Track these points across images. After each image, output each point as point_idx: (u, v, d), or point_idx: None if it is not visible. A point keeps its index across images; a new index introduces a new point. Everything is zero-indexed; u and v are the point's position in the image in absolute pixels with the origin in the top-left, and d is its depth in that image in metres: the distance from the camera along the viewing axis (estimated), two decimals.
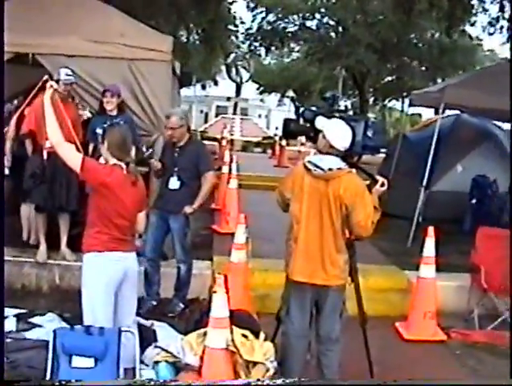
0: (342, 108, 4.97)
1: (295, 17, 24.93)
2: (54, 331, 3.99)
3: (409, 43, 23.47)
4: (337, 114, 4.66)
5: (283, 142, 19.23)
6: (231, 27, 25.11)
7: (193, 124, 38.58)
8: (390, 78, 28.54)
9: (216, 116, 39.04)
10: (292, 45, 28.45)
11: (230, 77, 34.49)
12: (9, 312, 5.80)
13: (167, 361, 4.41)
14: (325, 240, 4.43)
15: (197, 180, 6.33)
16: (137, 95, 7.09)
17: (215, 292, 4.05)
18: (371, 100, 31.96)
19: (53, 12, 7.45)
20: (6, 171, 8.08)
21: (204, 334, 4.21)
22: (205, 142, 19.25)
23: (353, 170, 4.52)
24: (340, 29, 23.67)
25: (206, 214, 10.39)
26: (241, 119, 31.48)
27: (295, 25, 25.26)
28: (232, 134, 29.15)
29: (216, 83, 37.48)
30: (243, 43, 26.46)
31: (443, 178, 10.61)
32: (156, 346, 4.55)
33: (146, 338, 5.24)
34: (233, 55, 30.83)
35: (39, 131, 6.80)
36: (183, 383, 3.51)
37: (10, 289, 6.84)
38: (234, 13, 24.93)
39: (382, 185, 4.57)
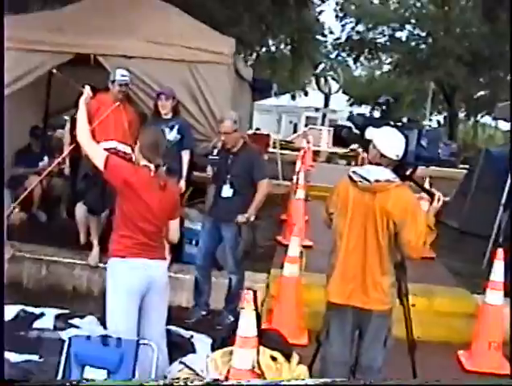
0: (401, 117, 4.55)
1: (385, 28, 24.38)
2: (69, 339, 3.78)
3: (502, 56, 22.41)
4: (391, 122, 4.23)
5: (365, 154, 18.62)
6: (319, 37, 24.91)
7: (281, 134, 38.54)
8: (482, 92, 27.47)
9: (306, 126, 38.69)
10: (382, 57, 27.88)
11: (319, 88, 34.04)
12: (50, 312, 5.80)
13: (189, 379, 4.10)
14: (369, 260, 4.01)
15: (251, 188, 6.04)
16: (196, 98, 6.89)
17: (243, 308, 3.72)
18: (462, 114, 30.87)
19: (115, 12, 7.41)
20: (66, 172, 8.08)
21: (231, 353, 3.87)
22: (288, 152, 19.13)
23: (405, 183, 4.08)
24: (430, 40, 22.92)
25: (274, 224, 10.12)
26: (329, 130, 30.95)
27: (384, 35, 24.72)
28: (319, 146, 28.76)
29: (306, 93, 37.12)
30: (331, 53, 26.11)
31: None
32: (181, 362, 4.26)
33: (183, 350, 5.00)
34: (321, 66, 30.49)
35: (91, 132, 6.69)
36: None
37: (61, 290, 6.82)
38: (323, 23, 24.76)
39: (438, 201, 4.11)
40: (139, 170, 4.29)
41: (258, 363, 3.74)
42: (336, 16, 24.38)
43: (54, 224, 8.44)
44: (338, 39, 24.58)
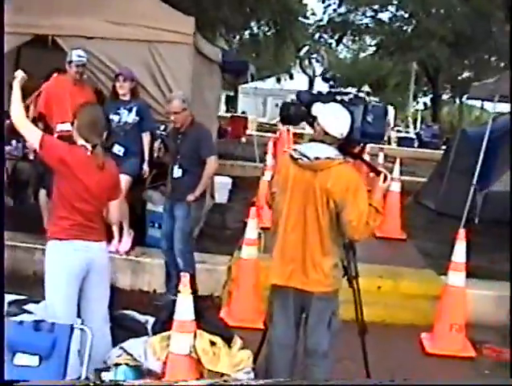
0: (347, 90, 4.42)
1: (367, 9, 24.17)
2: (1, 325, 3.66)
3: (486, 37, 22.23)
4: (338, 98, 4.11)
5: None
6: (301, 19, 24.68)
7: (267, 117, 38.26)
8: (467, 74, 27.32)
9: None
10: (366, 39, 27.71)
11: (303, 70, 33.78)
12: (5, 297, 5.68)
13: (127, 364, 4.00)
14: (309, 240, 3.88)
15: (200, 167, 5.98)
16: (156, 78, 6.75)
17: (179, 292, 3.62)
18: (447, 96, 30.73)
19: None
20: (31, 157, 7.94)
21: (169, 337, 3.78)
22: (269, 135, 18.99)
23: (348, 161, 3.97)
24: (414, 21, 22.75)
25: (247, 207, 10.04)
26: None
27: (367, 17, 24.52)
28: (303, 128, 28.59)
29: (291, 76, 36.90)
30: (313, 35, 25.87)
31: (503, 178, 9.84)
32: (120, 348, 4.15)
33: (138, 334, 4.91)
34: (305, 48, 30.28)
35: (49, 114, 6.58)
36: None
37: (22, 275, 6.71)
38: (305, 4, 24.52)
39: (385, 180, 3.99)
40: (75, 150, 4.17)
41: (195, 347, 3.64)
42: None
43: (20, 209, 8.31)
44: (320, 20, 24.39)
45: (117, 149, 6.60)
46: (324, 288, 3.92)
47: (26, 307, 5.58)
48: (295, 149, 3.93)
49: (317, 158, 3.82)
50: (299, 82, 39.17)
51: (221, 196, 10.45)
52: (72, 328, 3.67)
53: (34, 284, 6.54)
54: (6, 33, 6.74)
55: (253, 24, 26.94)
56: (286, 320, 4.03)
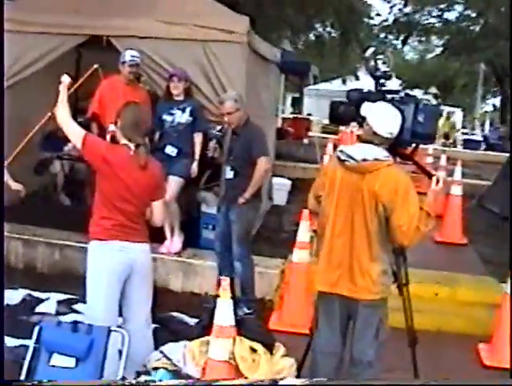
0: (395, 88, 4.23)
1: (433, 8, 23.51)
2: (40, 325, 3.64)
3: None
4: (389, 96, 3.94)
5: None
6: (366, 20, 24.30)
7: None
8: None
9: None
10: (432, 39, 27.01)
11: (370, 72, 33.37)
12: (54, 297, 5.74)
13: (166, 368, 3.92)
14: (356, 245, 3.71)
15: (253, 167, 5.84)
16: (209, 77, 6.66)
17: (218, 296, 3.51)
18: None
19: None
20: None
21: (208, 343, 3.67)
22: (332, 136, 18.77)
23: (396, 163, 3.78)
24: (481, 21, 22.03)
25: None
26: None
27: (433, 17, 23.85)
28: None
29: (357, 78, 36.53)
30: (378, 36, 25.41)
31: None
32: (160, 351, 4.07)
33: (187, 337, 4.86)
34: (371, 50, 29.85)
35: (102, 114, 6.60)
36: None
37: (73, 274, 6.74)
38: (370, 5, 24.09)
39: (437, 183, 3.79)
40: (118, 149, 4.13)
41: (233, 353, 3.52)
42: None
43: (77, 209, 8.38)
44: (385, 21, 23.89)
45: (170, 150, 6.56)
46: (372, 295, 3.74)
47: (75, 307, 5.64)
48: (341, 151, 3.76)
49: (364, 160, 3.65)
50: (365, 83, 38.90)
51: (280, 198, 10.31)
52: (109, 330, 3.60)
53: (85, 284, 6.60)
54: (64, 34, 6.89)
55: (318, 25, 26.76)
56: (332, 328, 3.87)
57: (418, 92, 39.19)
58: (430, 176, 3.86)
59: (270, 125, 9.06)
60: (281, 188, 10.40)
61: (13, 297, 5.95)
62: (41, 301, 5.86)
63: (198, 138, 6.58)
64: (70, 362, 3.48)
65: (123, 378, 3.58)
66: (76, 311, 5.57)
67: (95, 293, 4.11)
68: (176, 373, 3.91)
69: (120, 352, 3.91)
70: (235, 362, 3.64)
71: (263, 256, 6.78)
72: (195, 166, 6.61)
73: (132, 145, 4.08)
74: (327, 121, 25.46)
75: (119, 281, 4.11)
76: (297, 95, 36.74)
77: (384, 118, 3.72)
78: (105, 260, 4.08)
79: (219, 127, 6.35)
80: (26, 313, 5.50)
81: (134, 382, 2.90)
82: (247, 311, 5.95)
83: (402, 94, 3.96)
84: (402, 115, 3.77)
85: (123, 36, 6.75)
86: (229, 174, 5.92)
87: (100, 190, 4.12)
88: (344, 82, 37.87)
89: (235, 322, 3.57)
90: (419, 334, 5.83)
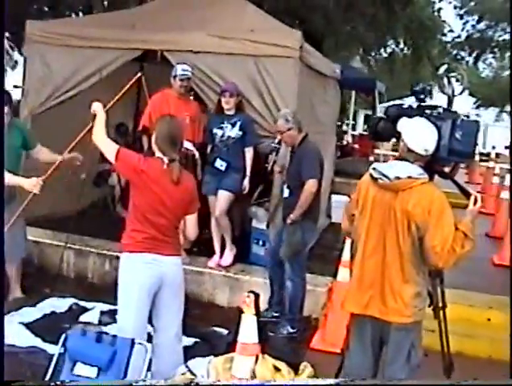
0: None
1: (506, 24, 22.92)
2: (66, 334, 3.66)
3: None
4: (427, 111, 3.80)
5: (476, 158, 17.89)
6: (439, 36, 23.92)
7: None
8: None
9: None
10: (507, 55, 26.31)
11: (441, 89, 32.74)
12: (98, 306, 5.79)
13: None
14: (388, 266, 3.57)
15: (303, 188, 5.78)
16: (261, 92, 6.63)
17: (242, 312, 3.45)
18: None
19: (187, 9, 7.35)
20: None
21: (232, 359, 3.61)
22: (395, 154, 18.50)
23: (431, 181, 3.62)
24: None
25: None
26: None
27: (506, 33, 23.26)
28: None
29: (431, 96, 35.95)
30: (450, 52, 24.96)
31: None
32: (186, 366, 4.03)
33: (216, 348, 4.82)
34: (444, 67, 29.29)
35: (152, 127, 6.63)
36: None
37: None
38: (443, 21, 23.68)
39: (475, 202, 3.62)
40: (151, 162, 4.13)
41: (254, 372, 3.45)
42: (459, 14, 23.26)
43: None
44: (458, 37, 23.45)
45: (220, 164, 6.57)
46: (404, 319, 3.59)
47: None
48: (374, 168, 3.65)
49: (397, 178, 3.52)
50: (439, 101, 38.22)
51: (338, 215, 10.14)
52: (133, 342, 3.59)
53: None
54: (120, 49, 7.01)
55: (390, 42, 26.50)
56: (363, 350, 3.74)
57: (492, 111, 38.30)
58: (468, 196, 3.68)
59: (329, 141, 8.96)
60: (339, 206, 10.22)
61: (60, 305, 6.07)
62: (86, 310, 5.94)
63: (249, 153, 6.57)
64: (92, 372, 3.49)
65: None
66: None
67: (125, 305, 4.11)
68: None
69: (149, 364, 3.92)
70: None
71: (314, 274, 6.67)
72: (246, 182, 6.59)
73: (166, 159, 4.07)
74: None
75: (149, 293, 4.10)
76: (370, 112, 36.51)
77: (419, 134, 3.59)
78: (136, 272, 4.09)
79: (277, 139, 6.30)
80: (71, 321, 5.56)
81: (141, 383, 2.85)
82: (291, 330, 5.88)
83: (440, 109, 3.79)
84: (439, 131, 3.62)
85: (177, 50, 6.81)
86: (285, 192, 5.92)
87: (133, 202, 4.14)
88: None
89: (262, 339, 3.49)
90: (469, 360, 5.67)
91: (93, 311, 5.81)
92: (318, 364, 4.81)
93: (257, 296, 3.51)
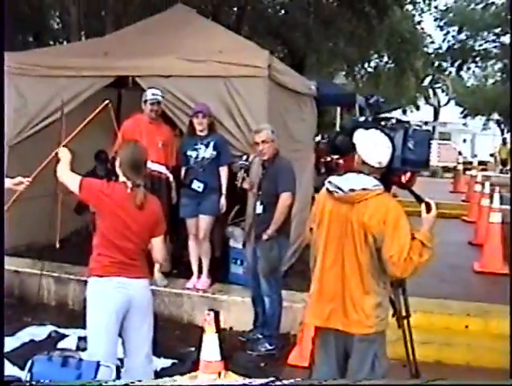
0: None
1: (487, 33, 23.21)
2: (32, 360, 3.70)
3: None
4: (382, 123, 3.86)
5: (460, 167, 18.06)
6: (422, 48, 24.21)
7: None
8: None
9: None
10: (488, 65, 26.60)
11: (427, 101, 33.06)
12: (77, 333, 5.80)
13: None
14: (347, 278, 3.60)
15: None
16: (232, 113, 6.72)
17: (204, 331, 3.49)
18: None
19: (158, 34, 7.45)
20: None
21: (196, 377, 3.64)
22: None
23: (385, 193, 3.66)
24: None
25: None
26: (439, 144, 29.93)
27: (487, 42, 23.51)
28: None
29: (417, 108, 36.22)
30: (433, 63, 25.21)
31: None
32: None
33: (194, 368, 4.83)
34: (429, 78, 29.60)
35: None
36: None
37: None
38: (423, 34, 23.94)
39: (429, 210, 3.66)
40: (115, 186, 4.18)
41: None
42: (439, 26, 23.51)
43: None
44: (439, 48, 23.69)
45: (197, 186, 6.61)
46: (366, 329, 3.62)
47: None
48: (329, 182, 3.70)
49: (352, 190, 3.57)
50: (426, 113, 38.51)
51: None
52: (98, 365, 3.62)
53: None
54: (93, 76, 7.10)
55: (374, 57, 26.80)
56: (328, 362, 3.77)
57: (479, 120, 38.61)
58: (426, 204, 3.72)
59: (306, 157, 9.02)
60: None
61: (40, 333, 6.09)
62: (65, 337, 5.95)
63: (224, 172, 6.61)
64: None
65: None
66: None
67: (95, 331, 4.14)
68: None
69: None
70: None
71: (292, 291, 6.70)
72: (223, 201, 6.64)
73: (129, 183, 4.12)
74: None
75: (118, 317, 4.13)
76: None
77: (372, 147, 3.65)
78: (104, 296, 4.12)
79: (245, 157, 6.37)
80: (49, 348, 5.57)
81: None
82: (269, 347, 5.91)
83: (393, 120, 3.85)
84: (392, 142, 3.67)
85: (147, 76, 6.90)
86: (258, 208, 5.91)
87: (99, 228, 4.18)
88: (404, 112, 37.70)
89: (224, 357, 3.53)
90: (448, 368, 5.70)
91: (71, 337, 5.83)
92: (294, 378, 4.83)
93: (216, 313, 3.54)
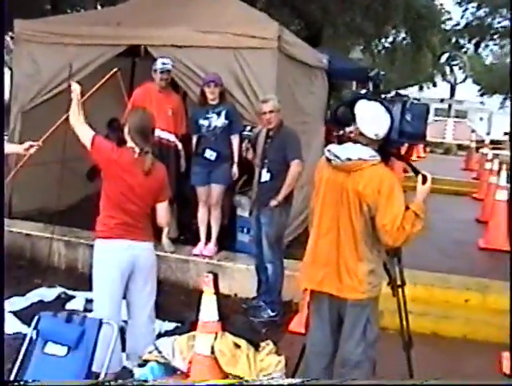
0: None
1: (506, 11, 22.89)
2: (38, 316, 3.85)
3: None
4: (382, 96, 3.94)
5: (472, 145, 18.03)
6: (437, 24, 23.94)
7: None
8: None
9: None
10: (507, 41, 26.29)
11: (444, 78, 32.75)
12: (84, 295, 5.95)
13: (157, 361, 4.05)
14: (342, 244, 3.72)
15: (287, 171, 5.93)
16: (242, 84, 6.80)
17: (203, 292, 3.62)
18: None
19: (172, 5, 7.52)
20: None
21: (194, 337, 3.79)
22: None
23: (380, 162, 3.75)
24: None
25: None
26: (455, 122, 29.76)
27: (506, 19, 23.21)
28: (444, 138, 27.87)
29: (434, 84, 35.88)
30: (450, 40, 24.94)
31: None
32: (154, 344, 4.22)
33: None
34: (445, 56, 29.30)
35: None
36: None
37: None
38: (441, 10, 23.68)
39: (424, 181, 3.75)
40: (123, 151, 4.30)
41: (213, 348, 3.61)
42: (457, 2, 23.25)
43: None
44: (457, 25, 23.45)
45: (209, 154, 6.69)
46: (359, 295, 3.73)
47: None
48: (329, 150, 3.79)
49: (349, 159, 3.67)
50: (443, 90, 38.17)
51: None
52: (100, 322, 3.76)
53: None
54: (104, 45, 7.19)
55: (391, 32, 26.53)
56: (322, 327, 3.89)
57: (497, 98, 38.18)
58: (420, 175, 3.81)
59: (316, 130, 9.06)
60: None
61: (49, 294, 6.26)
62: (73, 298, 6.12)
63: (235, 140, 6.68)
64: (62, 350, 3.67)
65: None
66: None
67: (100, 289, 4.30)
68: (165, 366, 4.05)
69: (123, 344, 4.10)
70: (214, 355, 3.72)
71: (296, 260, 6.82)
72: (235, 169, 6.73)
73: (137, 149, 4.23)
74: None
75: (122, 277, 4.28)
76: None
77: (370, 119, 3.72)
78: (109, 257, 4.27)
79: (249, 127, 6.46)
80: (57, 308, 5.73)
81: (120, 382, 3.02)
82: (271, 314, 6.04)
83: (392, 94, 3.93)
84: (391, 114, 3.75)
85: (159, 45, 6.97)
86: (265, 176, 6.01)
87: (105, 190, 4.31)
88: (421, 88, 37.39)
89: (222, 317, 3.66)
90: (445, 340, 5.81)
91: (79, 299, 5.99)
92: (294, 345, 4.96)
93: (215, 275, 3.67)
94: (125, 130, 4.36)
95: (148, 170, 4.24)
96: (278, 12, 22.20)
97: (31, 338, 3.77)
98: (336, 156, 3.72)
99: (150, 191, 4.33)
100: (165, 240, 6.93)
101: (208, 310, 3.60)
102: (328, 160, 3.78)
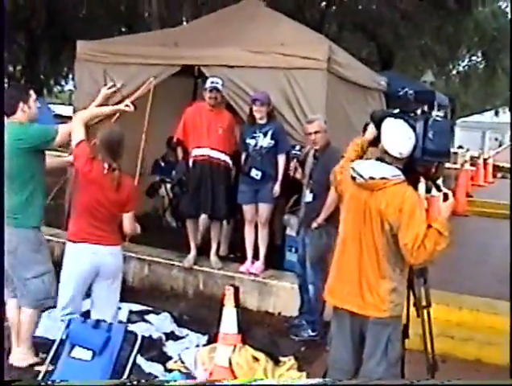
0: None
1: None
2: (69, 320, 4.03)
3: None
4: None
5: None
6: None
7: (485, 151, 36.66)
8: None
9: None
10: None
11: None
12: (128, 307, 6.11)
13: (180, 371, 4.13)
14: (364, 262, 3.73)
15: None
16: (291, 104, 6.86)
17: (224, 305, 3.69)
18: None
19: (226, 25, 7.69)
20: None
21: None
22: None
23: (404, 182, 3.73)
24: None
25: None
26: None
27: None
28: None
29: (511, 108, 35.02)
30: None
31: None
32: (178, 354, 4.30)
33: None
34: None
35: (186, 139, 7.00)
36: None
37: (159, 289, 7.16)
38: None
39: (445, 199, 3.71)
40: (95, 163, 4.47)
41: (230, 360, 3.67)
42: None
43: (180, 230, 8.80)
44: None
45: (255, 174, 6.78)
46: (380, 313, 3.72)
47: (146, 317, 6.00)
48: (353, 168, 3.82)
49: (372, 178, 3.69)
50: None
51: None
52: (126, 330, 3.88)
53: (169, 297, 6.98)
54: (161, 65, 7.41)
55: (464, 56, 26.16)
56: (344, 344, 3.89)
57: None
58: (443, 193, 3.78)
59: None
60: None
61: None
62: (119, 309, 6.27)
63: (281, 159, 6.72)
64: (87, 355, 3.82)
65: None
66: (147, 321, 5.90)
67: (63, 289, 4.59)
68: (187, 376, 4.12)
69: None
70: (231, 368, 3.77)
71: None
72: (277, 187, 6.77)
73: (106, 164, 4.41)
74: (475, 153, 24.63)
75: (85, 280, 4.54)
76: None
77: (395, 137, 3.73)
78: (74, 260, 4.52)
79: (298, 147, 6.52)
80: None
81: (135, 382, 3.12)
82: (311, 333, 6.04)
83: (418, 111, 3.91)
84: (415, 133, 3.75)
85: (212, 65, 7.14)
86: (308, 197, 6.07)
87: (76, 195, 4.63)
88: (496, 114, 36.50)
89: (241, 330, 3.72)
90: (487, 367, 5.65)
91: (122, 310, 6.13)
92: None
93: (236, 289, 3.73)
94: (96, 144, 4.53)
95: (116, 186, 4.45)
96: (350, 35, 22.28)
97: (61, 339, 3.92)
98: (359, 174, 3.74)
99: (118, 203, 4.53)
100: (213, 257, 7.06)
101: (229, 322, 3.67)
102: (353, 178, 3.80)
